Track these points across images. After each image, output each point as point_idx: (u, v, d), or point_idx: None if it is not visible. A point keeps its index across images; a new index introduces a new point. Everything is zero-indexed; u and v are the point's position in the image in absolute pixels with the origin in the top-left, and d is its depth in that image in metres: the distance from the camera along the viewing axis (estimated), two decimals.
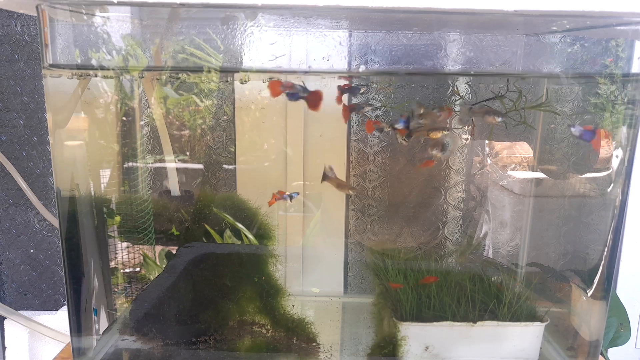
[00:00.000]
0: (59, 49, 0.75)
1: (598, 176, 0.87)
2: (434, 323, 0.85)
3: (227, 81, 1.02)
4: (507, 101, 0.86)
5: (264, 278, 0.94)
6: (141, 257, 1.03)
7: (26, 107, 1.29)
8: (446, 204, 1.23)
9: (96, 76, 0.83)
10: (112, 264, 1.00)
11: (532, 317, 0.88)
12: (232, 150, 1.15)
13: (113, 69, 0.78)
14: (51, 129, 0.73)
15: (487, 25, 0.91)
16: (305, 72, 0.87)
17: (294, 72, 0.88)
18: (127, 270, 1.03)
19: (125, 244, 1.01)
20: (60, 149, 0.77)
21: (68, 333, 0.84)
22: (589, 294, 0.85)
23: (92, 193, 0.90)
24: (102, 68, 0.77)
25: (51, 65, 0.71)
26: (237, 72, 0.86)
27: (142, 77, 0.89)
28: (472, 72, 0.97)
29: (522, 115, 0.85)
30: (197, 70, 0.84)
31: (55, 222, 1.26)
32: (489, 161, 1.13)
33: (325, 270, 1.22)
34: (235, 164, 1.16)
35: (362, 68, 0.76)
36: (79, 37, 0.76)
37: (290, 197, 0.97)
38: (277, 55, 0.73)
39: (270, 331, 0.93)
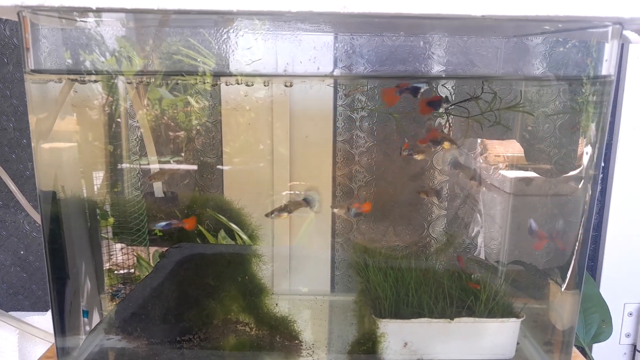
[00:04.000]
0: (42, 54, 0.76)
1: (572, 174, 0.89)
2: (412, 320, 0.87)
3: (215, 84, 1.04)
4: (483, 102, 0.88)
5: (247, 277, 0.95)
6: (134, 259, 1.04)
7: (15, 110, 1.30)
8: (431, 202, 1.24)
9: (82, 81, 0.84)
10: (105, 265, 1.01)
11: (508, 313, 0.90)
12: (220, 151, 1.16)
13: (96, 73, 0.80)
14: (33, 132, 0.74)
15: (466, 28, 0.93)
16: (288, 75, 0.89)
17: (278, 75, 0.89)
18: (120, 271, 1.04)
19: (118, 245, 1.02)
20: (42, 152, 0.79)
21: None
22: (563, 289, 0.87)
23: (76, 195, 0.92)
24: (79, 72, 0.78)
25: (33, 71, 0.73)
26: (224, 75, 0.87)
27: (130, 82, 0.90)
28: (451, 75, 0.99)
29: (497, 116, 0.87)
30: (188, 73, 0.85)
31: None
32: (480, 161, 1.15)
33: (312, 270, 1.24)
34: (222, 165, 1.17)
35: (337, 72, 0.78)
36: (63, 42, 0.78)
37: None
38: (253, 60, 0.75)
39: (254, 329, 0.95)
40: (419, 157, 1.00)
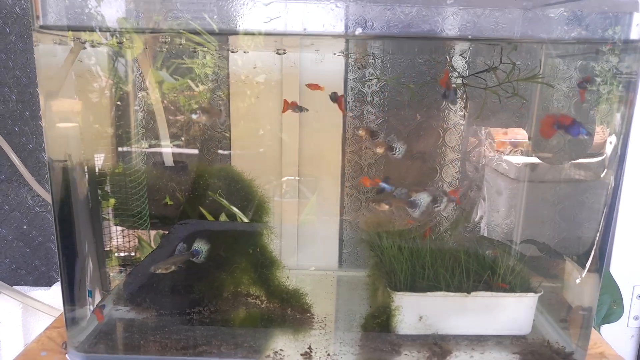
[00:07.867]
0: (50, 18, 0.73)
1: (591, 161, 0.87)
2: (428, 293, 0.85)
3: (222, 53, 1.01)
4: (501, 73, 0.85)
5: (258, 249, 0.94)
6: (136, 240, 1.03)
7: (18, 82, 1.27)
8: (442, 181, 1.23)
9: (94, 45, 0.81)
10: (108, 247, 0.99)
11: (526, 288, 0.88)
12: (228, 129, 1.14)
13: (108, 31, 0.77)
14: (42, 90, 0.71)
15: None
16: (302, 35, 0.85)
17: (291, 34, 0.86)
18: (122, 254, 1.03)
19: (120, 228, 1.01)
20: (52, 119, 0.76)
21: (61, 308, 0.83)
22: (585, 270, 0.85)
23: (85, 165, 0.90)
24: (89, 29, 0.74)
25: (42, 27, 0.70)
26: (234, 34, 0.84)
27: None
28: (475, 38, 0.95)
29: (515, 87, 0.84)
30: (193, 32, 0.82)
31: (48, 198, 1.25)
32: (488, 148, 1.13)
33: (320, 247, 1.22)
34: (230, 139, 1.15)
35: (358, 31, 0.75)
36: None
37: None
38: (271, 17, 0.72)
39: (265, 302, 0.93)
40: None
